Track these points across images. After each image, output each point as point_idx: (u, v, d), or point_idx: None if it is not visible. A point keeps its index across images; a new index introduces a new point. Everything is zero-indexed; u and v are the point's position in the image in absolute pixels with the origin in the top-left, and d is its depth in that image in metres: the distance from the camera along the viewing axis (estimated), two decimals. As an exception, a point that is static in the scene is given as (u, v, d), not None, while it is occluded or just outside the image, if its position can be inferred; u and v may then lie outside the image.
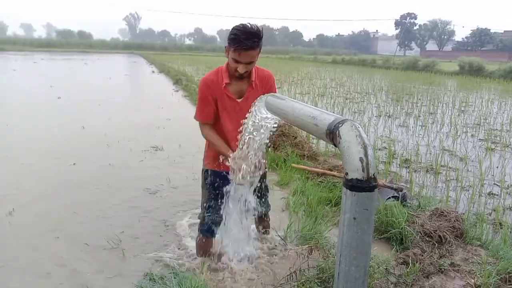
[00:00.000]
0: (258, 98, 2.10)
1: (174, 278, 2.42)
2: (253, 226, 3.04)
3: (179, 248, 3.04)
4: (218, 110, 2.51)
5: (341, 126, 1.28)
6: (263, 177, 2.70)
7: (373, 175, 1.21)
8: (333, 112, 7.70)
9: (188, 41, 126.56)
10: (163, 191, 4.28)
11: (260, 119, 2.10)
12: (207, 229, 2.72)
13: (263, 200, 2.84)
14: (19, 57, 36.07)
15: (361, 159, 1.20)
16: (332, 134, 1.30)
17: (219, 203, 2.62)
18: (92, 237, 3.19)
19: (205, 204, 2.70)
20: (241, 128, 2.23)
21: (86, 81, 16.77)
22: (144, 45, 75.76)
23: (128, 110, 9.65)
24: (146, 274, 2.63)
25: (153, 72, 22.96)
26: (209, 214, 2.67)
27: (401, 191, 3.62)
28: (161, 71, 22.77)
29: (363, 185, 1.20)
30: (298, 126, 1.58)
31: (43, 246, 3.08)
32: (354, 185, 1.20)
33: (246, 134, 2.19)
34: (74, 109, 9.49)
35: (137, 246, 3.09)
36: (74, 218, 3.58)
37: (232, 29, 2.28)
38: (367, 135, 1.30)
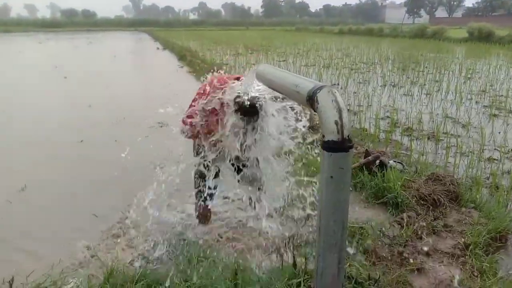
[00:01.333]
0: (250, 70, 2.18)
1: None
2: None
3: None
4: None
5: (319, 92, 1.35)
6: None
7: (348, 136, 1.29)
8: (337, 83, 7.64)
9: (192, 16, 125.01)
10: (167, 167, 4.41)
11: (250, 88, 2.18)
12: (202, 197, 2.87)
13: None
14: (24, 38, 36.08)
15: (336, 122, 1.28)
16: (311, 100, 1.38)
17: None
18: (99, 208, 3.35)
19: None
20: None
21: (92, 60, 16.85)
22: (148, 21, 75.17)
23: (133, 87, 9.74)
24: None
25: (157, 48, 22.89)
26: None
27: (377, 158, 3.68)
28: (166, 47, 22.69)
29: (338, 146, 1.28)
30: (283, 93, 1.66)
31: (54, 218, 3.24)
32: (330, 146, 1.29)
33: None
34: (80, 87, 9.61)
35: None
36: (85, 189, 3.73)
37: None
38: (343, 100, 1.37)
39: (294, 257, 2.35)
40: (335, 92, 1.34)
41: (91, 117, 6.67)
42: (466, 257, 2.49)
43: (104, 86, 9.77)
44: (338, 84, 9.33)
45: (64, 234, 2.98)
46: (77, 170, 4.34)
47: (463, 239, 2.61)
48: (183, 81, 10.71)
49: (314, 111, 1.38)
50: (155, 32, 43.01)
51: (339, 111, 1.29)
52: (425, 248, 2.57)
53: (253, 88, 2.16)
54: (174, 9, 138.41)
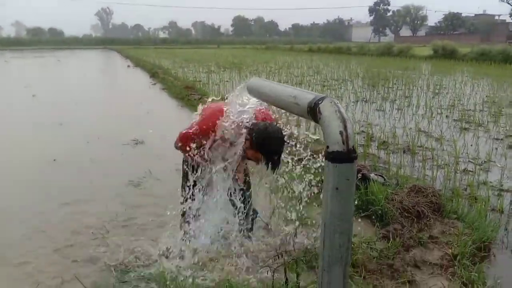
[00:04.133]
0: (241, 85, 2.16)
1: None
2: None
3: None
4: None
5: (321, 102, 1.34)
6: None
7: (353, 147, 1.28)
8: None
9: (162, 35, 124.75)
10: (146, 183, 4.31)
11: (242, 104, 2.16)
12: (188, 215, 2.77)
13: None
14: (-12, 56, 35.02)
15: (341, 132, 1.27)
16: (313, 111, 1.36)
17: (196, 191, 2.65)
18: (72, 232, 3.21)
19: (183, 191, 2.71)
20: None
21: (60, 78, 16.47)
22: (117, 40, 74.44)
23: (105, 105, 9.55)
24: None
25: (128, 66, 22.64)
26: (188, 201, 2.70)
27: (359, 172, 3.71)
28: (137, 65, 22.48)
29: (344, 157, 1.26)
30: (280, 106, 1.64)
31: (26, 247, 3.07)
32: (335, 157, 1.27)
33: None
34: (50, 106, 9.34)
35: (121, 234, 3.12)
36: (57, 212, 3.57)
37: (260, 140, 2.33)
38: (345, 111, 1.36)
39: (286, 273, 2.31)
40: (337, 103, 1.33)
41: (62, 136, 6.47)
42: (455, 267, 2.51)
43: (75, 104, 9.52)
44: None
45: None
46: (49, 191, 4.16)
47: (450, 250, 2.64)
48: (157, 97, 10.61)
49: (316, 122, 1.37)
50: (125, 50, 42.59)
51: (343, 121, 1.28)
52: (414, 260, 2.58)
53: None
54: (144, 28, 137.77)
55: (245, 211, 2.74)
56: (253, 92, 1.91)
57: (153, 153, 5.38)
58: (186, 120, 7.81)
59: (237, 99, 2.19)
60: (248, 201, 2.82)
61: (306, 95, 1.44)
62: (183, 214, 2.77)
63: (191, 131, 2.48)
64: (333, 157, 1.27)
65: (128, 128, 6.83)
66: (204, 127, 2.44)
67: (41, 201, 3.85)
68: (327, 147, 1.29)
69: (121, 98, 11.08)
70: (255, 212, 2.94)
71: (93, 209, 3.62)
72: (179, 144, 2.55)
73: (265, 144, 2.31)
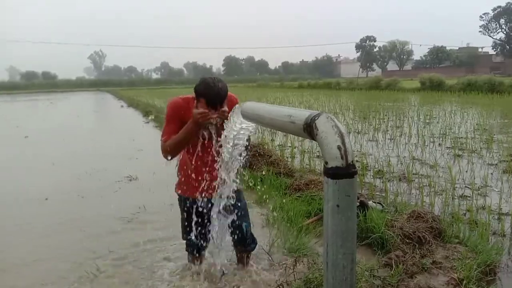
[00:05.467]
0: (234, 109, 2.14)
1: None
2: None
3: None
4: None
5: (317, 119, 1.32)
6: (238, 196, 2.68)
7: (352, 161, 1.24)
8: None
9: (155, 75, 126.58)
10: (140, 218, 4.21)
11: (238, 129, 2.13)
12: (191, 250, 2.76)
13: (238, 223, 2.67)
14: (-19, 101, 35.11)
15: (339, 147, 1.24)
16: (309, 128, 1.33)
17: (198, 228, 2.63)
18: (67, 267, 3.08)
19: (184, 226, 2.71)
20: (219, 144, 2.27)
21: (53, 120, 16.47)
22: (110, 81, 75.38)
23: (99, 144, 9.49)
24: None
25: (122, 106, 22.79)
26: (190, 238, 2.68)
27: (357, 199, 3.65)
28: (130, 105, 22.63)
29: (343, 172, 1.23)
30: (276, 127, 1.61)
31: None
32: (335, 173, 1.23)
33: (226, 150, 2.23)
34: (42, 146, 9.28)
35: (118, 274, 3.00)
36: (53, 251, 3.45)
37: (200, 88, 2.35)
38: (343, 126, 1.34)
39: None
40: (334, 119, 1.31)
41: (55, 175, 6.37)
42: (462, 292, 2.43)
43: (67, 144, 9.46)
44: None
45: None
46: (41, 233, 4.04)
47: (456, 274, 2.56)
48: (150, 135, 10.59)
49: (313, 139, 1.34)
50: (118, 92, 43.02)
51: (341, 135, 1.25)
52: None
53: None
54: (137, 69, 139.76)
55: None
56: (248, 115, 1.89)
57: (147, 189, 5.31)
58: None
59: (232, 124, 2.16)
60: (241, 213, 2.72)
61: (301, 113, 1.42)
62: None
63: (163, 138, 2.52)
64: (332, 173, 1.24)
65: (120, 167, 6.75)
66: (168, 117, 2.55)
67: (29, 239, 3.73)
68: (326, 163, 1.26)
69: (114, 138, 11.03)
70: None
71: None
72: (162, 144, 2.53)
73: (200, 87, 2.34)
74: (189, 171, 2.54)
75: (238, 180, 2.37)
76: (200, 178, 2.48)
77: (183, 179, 2.63)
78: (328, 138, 1.27)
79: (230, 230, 2.62)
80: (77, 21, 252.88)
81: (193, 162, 2.52)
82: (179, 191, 2.66)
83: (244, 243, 2.76)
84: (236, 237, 2.69)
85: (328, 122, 1.29)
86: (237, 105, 2.10)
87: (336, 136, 1.26)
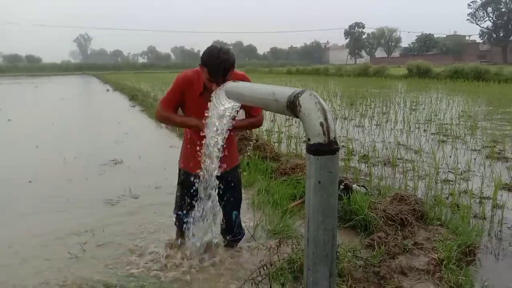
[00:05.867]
0: (218, 89, 2.12)
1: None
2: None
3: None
4: (186, 109, 2.58)
5: (300, 96, 1.31)
6: (234, 171, 2.72)
7: (334, 138, 1.24)
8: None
9: (142, 60, 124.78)
10: (125, 201, 4.18)
11: (223, 110, 2.12)
12: (179, 225, 2.82)
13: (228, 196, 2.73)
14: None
15: (321, 124, 1.24)
16: (292, 105, 1.33)
17: (190, 202, 2.66)
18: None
19: (178, 201, 2.80)
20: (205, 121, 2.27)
21: (38, 103, 16.18)
22: (96, 65, 74.23)
23: (84, 127, 9.38)
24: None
25: (107, 90, 22.47)
26: (181, 213, 2.74)
27: (341, 183, 3.68)
28: (116, 89, 22.34)
29: (325, 149, 1.23)
30: (259, 105, 1.61)
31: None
32: (317, 149, 1.24)
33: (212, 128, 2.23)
34: (26, 129, 9.12)
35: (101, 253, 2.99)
36: (35, 232, 3.41)
37: (204, 55, 2.29)
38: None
39: (271, 285, 2.23)
40: (317, 96, 1.30)
41: (38, 158, 6.29)
42: (442, 272, 2.47)
43: (51, 127, 9.31)
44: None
45: None
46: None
47: (436, 255, 2.60)
48: (136, 118, 10.49)
49: (296, 116, 1.34)
50: (104, 76, 42.39)
51: (324, 112, 1.25)
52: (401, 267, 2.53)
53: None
54: (123, 53, 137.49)
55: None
56: (232, 94, 1.88)
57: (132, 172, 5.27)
58: (166, 139, 7.69)
59: (217, 104, 2.14)
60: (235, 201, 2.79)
61: (285, 90, 1.41)
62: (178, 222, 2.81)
63: (162, 103, 2.62)
64: (314, 149, 1.24)
65: (105, 150, 6.69)
66: (172, 86, 2.59)
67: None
68: (308, 139, 1.26)
69: (99, 121, 10.91)
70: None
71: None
72: (160, 109, 2.60)
73: (205, 54, 2.29)
74: (189, 146, 2.63)
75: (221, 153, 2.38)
76: (199, 154, 2.48)
77: (184, 153, 2.72)
78: (311, 114, 1.27)
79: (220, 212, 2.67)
80: (63, 2, 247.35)
81: (194, 138, 2.55)
82: (181, 165, 2.75)
83: (231, 232, 2.80)
84: (224, 224, 2.76)
85: (312, 99, 1.29)
86: (222, 85, 2.08)
87: (319, 113, 1.26)
